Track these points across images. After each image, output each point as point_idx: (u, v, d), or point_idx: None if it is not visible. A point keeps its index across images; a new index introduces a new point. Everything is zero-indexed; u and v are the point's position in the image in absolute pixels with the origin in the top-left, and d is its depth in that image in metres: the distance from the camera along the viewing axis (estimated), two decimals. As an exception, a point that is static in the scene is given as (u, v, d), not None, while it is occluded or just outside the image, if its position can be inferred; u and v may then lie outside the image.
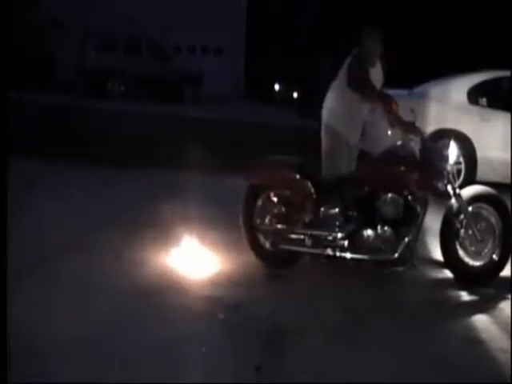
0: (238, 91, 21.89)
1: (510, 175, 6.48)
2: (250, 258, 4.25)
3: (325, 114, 4.89)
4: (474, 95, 7.08)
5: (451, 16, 18.30)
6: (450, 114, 7.04)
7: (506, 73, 7.16)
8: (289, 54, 24.33)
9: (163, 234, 4.68)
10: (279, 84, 25.33)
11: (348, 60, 4.72)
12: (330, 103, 4.86)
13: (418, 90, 7.53)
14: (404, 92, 7.35)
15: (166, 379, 2.71)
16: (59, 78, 17.57)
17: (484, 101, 7.06)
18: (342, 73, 4.73)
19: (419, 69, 11.56)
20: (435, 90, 7.38)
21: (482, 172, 6.83)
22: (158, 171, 7.14)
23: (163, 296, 3.60)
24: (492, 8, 17.19)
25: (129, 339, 3.04)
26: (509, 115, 6.74)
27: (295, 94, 25.26)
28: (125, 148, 8.61)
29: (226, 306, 3.48)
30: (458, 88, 7.19)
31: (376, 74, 4.74)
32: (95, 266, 3.98)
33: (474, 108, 7.06)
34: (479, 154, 6.86)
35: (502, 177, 6.67)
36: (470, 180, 6.50)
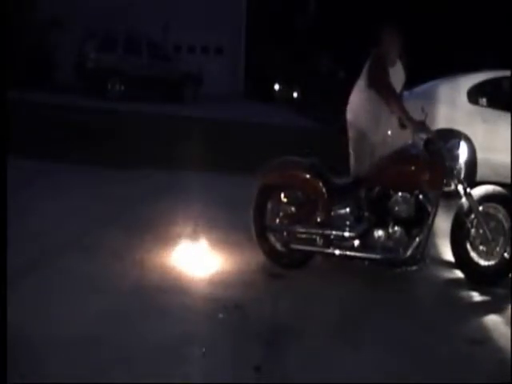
0: (237, 91, 21.87)
1: (510, 175, 6.47)
2: (251, 257, 4.26)
3: (349, 113, 4.96)
4: (474, 95, 7.08)
5: (451, 16, 18.30)
6: (450, 114, 7.03)
7: (506, 73, 7.15)
8: (289, 54, 24.34)
9: (164, 232, 4.68)
10: (279, 84, 25.33)
11: (368, 61, 4.76)
12: (354, 103, 4.94)
13: (418, 89, 7.53)
14: (404, 92, 7.34)
15: (166, 379, 2.71)
16: (59, 77, 17.55)
17: (484, 101, 7.06)
18: (364, 73, 4.80)
19: (419, 69, 11.55)
20: (435, 90, 7.38)
21: (482, 172, 6.82)
22: (158, 171, 7.14)
23: (163, 295, 3.60)
24: (492, 8, 17.18)
25: (128, 338, 3.04)
26: (509, 115, 6.73)
27: (295, 94, 25.26)
28: (125, 148, 8.60)
29: (226, 306, 3.48)
30: (458, 88, 7.18)
31: (396, 74, 4.84)
32: (96, 266, 3.98)
33: (474, 108, 7.05)
34: (479, 153, 6.86)
35: (502, 177, 6.67)
36: (470, 180, 6.50)
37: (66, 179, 6.38)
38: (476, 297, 4.02)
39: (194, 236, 4.61)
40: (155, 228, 4.83)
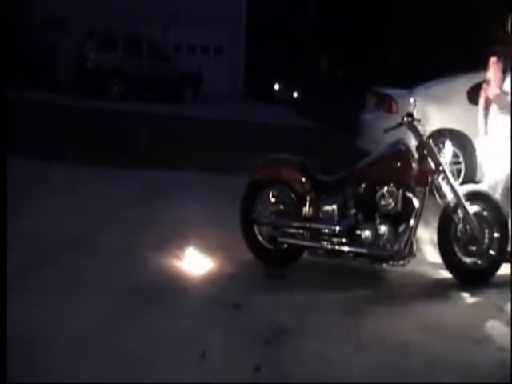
0: (237, 91, 21.88)
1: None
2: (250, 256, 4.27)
3: None
4: (474, 95, 7.07)
5: (451, 15, 18.31)
6: (450, 114, 7.04)
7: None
8: (289, 54, 24.37)
9: (163, 232, 4.69)
10: (279, 84, 25.37)
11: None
12: None
13: (418, 89, 7.53)
14: (404, 92, 7.35)
15: (165, 378, 2.71)
16: (59, 77, 17.57)
17: (484, 101, 7.05)
18: None
19: (419, 69, 11.56)
20: (435, 89, 7.38)
21: (482, 172, 6.81)
22: (157, 171, 7.13)
23: (163, 295, 3.60)
24: (492, 7, 17.19)
25: (128, 338, 3.04)
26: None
27: (295, 94, 25.30)
28: (124, 148, 8.60)
29: (226, 306, 3.48)
30: (458, 88, 7.18)
31: None
32: (96, 264, 3.98)
33: (474, 108, 7.04)
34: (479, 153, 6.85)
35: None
36: (471, 180, 6.50)
37: (66, 179, 6.38)
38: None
39: (193, 235, 4.61)
40: (154, 228, 4.83)
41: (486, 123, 4.73)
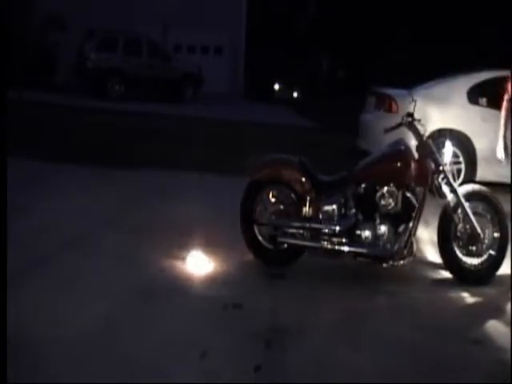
0: (237, 91, 21.89)
1: (509, 175, 6.47)
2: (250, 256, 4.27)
3: None
4: (474, 95, 7.08)
5: (451, 15, 18.31)
6: (450, 114, 7.04)
7: (506, 73, 7.15)
8: (289, 54, 24.35)
9: (164, 232, 4.69)
10: (279, 84, 25.37)
11: None
12: None
13: (418, 89, 7.53)
14: (404, 92, 7.35)
15: (166, 378, 2.71)
16: (59, 77, 17.58)
17: (484, 101, 7.06)
18: None
19: (419, 69, 11.55)
20: (435, 89, 7.38)
21: (481, 172, 6.83)
22: (158, 171, 7.12)
23: (163, 295, 3.60)
24: (492, 8, 17.19)
25: (128, 339, 3.04)
26: (509, 115, 6.73)
27: (295, 94, 25.29)
28: (125, 148, 8.61)
29: (226, 306, 3.48)
30: (458, 88, 7.19)
31: None
32: (96, 265, 3.98)
33: (474, 108, 7.06)
34: (479, 153, 6.86)
35: (501, 176, 6.67)
36: (470, 179, 6.50)
37: (66, 179, 6.38)
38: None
39: (193, 235, 4.61)
40: (154, 228, 4.83)
41: (506, 126, 4.65)
